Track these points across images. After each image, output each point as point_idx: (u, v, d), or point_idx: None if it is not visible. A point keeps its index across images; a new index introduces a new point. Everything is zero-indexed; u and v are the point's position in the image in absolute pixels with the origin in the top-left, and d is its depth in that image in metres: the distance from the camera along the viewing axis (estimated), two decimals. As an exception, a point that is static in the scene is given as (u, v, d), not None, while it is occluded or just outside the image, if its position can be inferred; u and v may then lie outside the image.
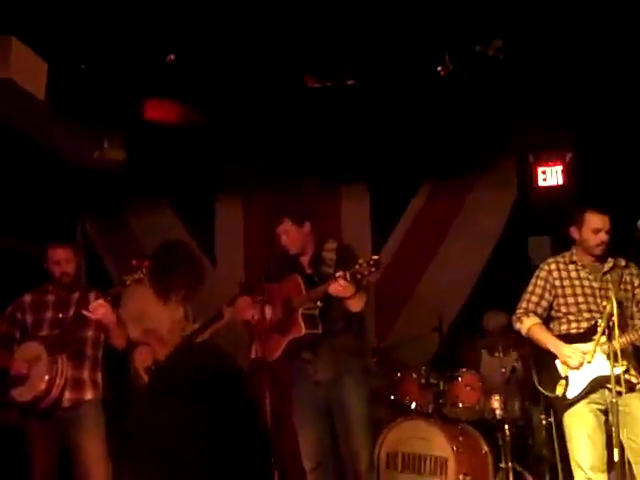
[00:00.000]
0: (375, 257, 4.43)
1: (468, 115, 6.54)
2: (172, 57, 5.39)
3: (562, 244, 5.13)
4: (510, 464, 5.83)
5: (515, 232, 7.27)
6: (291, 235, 4.91)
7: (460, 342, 6.89)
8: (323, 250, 4.95)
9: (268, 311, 4.79)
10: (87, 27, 5.10)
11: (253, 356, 4.69)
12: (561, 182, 7.07)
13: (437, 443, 5.79)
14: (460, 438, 5.89)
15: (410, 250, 7.41)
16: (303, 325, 4.69)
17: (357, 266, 4.43)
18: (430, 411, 6.10)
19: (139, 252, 7.30)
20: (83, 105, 5.73)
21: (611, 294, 4.16)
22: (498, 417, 5.99)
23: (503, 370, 6.10)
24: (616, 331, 4.07)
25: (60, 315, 4.97)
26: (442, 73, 5.77)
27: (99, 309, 4.72)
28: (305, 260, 4.97)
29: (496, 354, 6.15)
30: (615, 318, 4.06)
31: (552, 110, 6.38)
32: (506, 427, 5.90)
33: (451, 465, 5.70)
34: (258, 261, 7.18)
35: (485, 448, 5.97)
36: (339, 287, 4.48)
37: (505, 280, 6.90)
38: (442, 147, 6.91)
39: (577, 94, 6.14)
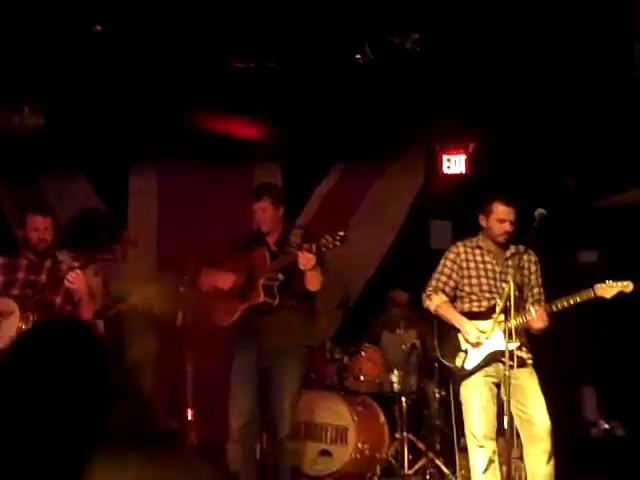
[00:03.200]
0: (341, 233, 4.70)
1: (382, 103, 6.78)
2: (98, 28, 5.44)
3: (463, 229, 5.50)
4: (405, 434, 6.20)
5: (418, 216, 7.61)
6: (267, 213, 5.19)
7: (363, 318, 7.22)
8: (290, 234, 5.25)
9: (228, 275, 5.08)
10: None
11: (179, 324, 4.90)
12: (464, 171, 7.46)
13: (338, 413, 6.11)
14: (360, 408, 6.23)
15: (318, 230, 7.62)
16: (262, 293, 4.97)
17: (323, 240, 4.71)
18: (333, 384, 6.42)
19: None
20: (3, 70, 5.74)
21: (509, 278, 4.52)
22: (395, 390, 6.34)
23: (403, 347, 6.45)
24: (512, 311, 4.44)
25: (32, 277, 5.08)
26: (360, 61, 6.02)
27: (77, 279, 4.87)
28: (271, 240, 5.24)
29: (397, 331, 6.49)
30: (512, 299, 4.43)
31: (460, 102, 6.69)
32: (403, 399, 6.26)
33: (351, 434, 6.03)
34: (171, 234, 7.39)
35: (383, 418, 6.32)
36: (304, 258, 4.75)
37: (407, 261, 7.28)
38: (355, 132, 7.13)
39: (484, 88, 6.47)
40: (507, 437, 4.35)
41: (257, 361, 5.12)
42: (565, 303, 4.63)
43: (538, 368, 4.80)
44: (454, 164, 7.53)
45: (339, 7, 5.57)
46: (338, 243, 4.65)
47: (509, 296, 4.48)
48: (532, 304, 4.82)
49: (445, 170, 7.51)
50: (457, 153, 7.53)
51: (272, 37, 5.88)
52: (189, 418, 4.61)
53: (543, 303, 4.77)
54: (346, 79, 6.38)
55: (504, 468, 5.84)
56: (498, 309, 4.58)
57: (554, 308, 4.66)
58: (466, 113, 6.91)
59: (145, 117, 6.90)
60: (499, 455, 5.83)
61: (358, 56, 5.97)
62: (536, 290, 4.94)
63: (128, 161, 7.61)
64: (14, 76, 5.87)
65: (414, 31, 5.78)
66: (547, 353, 5.01)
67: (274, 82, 6.40)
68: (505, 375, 4.42)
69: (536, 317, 4.64)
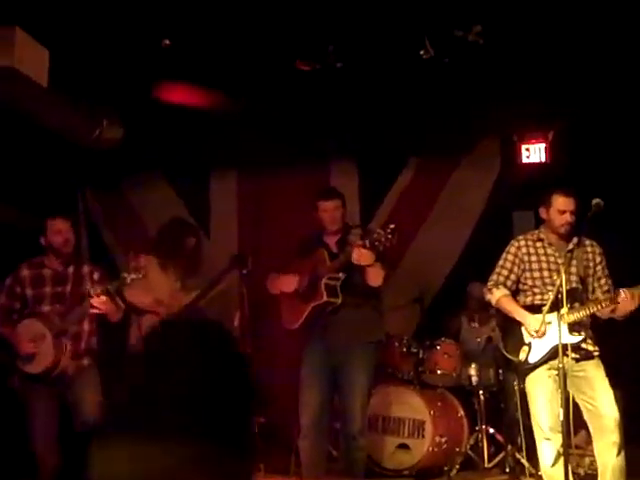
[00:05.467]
0: (392, 226, 4.82)
1: (452, 96, 6.79)
2: (167, 42, 5.63)
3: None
4: (484, 426, 6.21)
5: (500, 208, 7.54)
6: (338, 212, 5.34)
7: (443, 312, 7.23)
8: (349, 234, 5.36)
9: (291, 278, 5.25)
10: (84, 10, 5.36)
11: (236, 324, 5.07)
12: (544, 159, 7.37)
13: (416, 407, 6.16)
14: (438, 403, 6.26)
15: (396, 224, 7.69)
16: (325, 293, 5.10)
17: (375, 234, 4.82)
18: (410, 378, 6.47)
19: (137, 225, 7.67)
20: (83, 86, 6.02)
21: (561, 269, 4.47)
22: (473, 383, 6.35)
23: (479, 340, 6.45)
24: (564, 303, 4.41)
25: (59, 289, 5.25)
26: (425, 57, 6.04)
27: (102, 306, 5.08)
28: (331, 241, 5.38)
29: (472, 324, 6.49)
30: (564, 291, 4.39)
31: (535, 91, 6.63)
32: (481, 392, 6.27)
33: (428, 427, 6.08)
34: (250, 234, 7.59)
35: (461, 412, 6.35)
36: (359, 254, 4.87)
37: (490, 253, 7.22)
38: (428, 127, 7.17)
39: (555, 74, 6.39)
40: (563, 430, 4.30)
41: (325, 359, 5.24)
42: None
43: (604, 360, 4.73)
44: (533, 153, 7.46)
45: (399, 4, 5.62)
46: (390, 236, 4.72)
47: (562, 288, 4.42)
48: (603, 294, 4.76)
49: (524, 160, 7.43)
50: (536, 142, 7.45)
51: (335, 38, 5.98)
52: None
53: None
54: (415, 75, 6.42)
55: (586, 460, 5.90)
56: (548, 301, 4.53)
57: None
58: (543, 102, 6.83)
59: (222, 121, 7.10)
60: (580, 448, 5.85)
61: (422, 52, 5.99)
62: (603, 281, 4.87)
63: (208, 164, 7.85)
64: (92, 90, 6.15)
65: (476, 23, 5.77)
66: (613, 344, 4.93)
67: (344, 83, 6.50)
68: (560, 368, 4.37)
69: (629, 298, 4.55)
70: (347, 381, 5.21)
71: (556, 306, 4.51)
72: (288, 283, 5.30)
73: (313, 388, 5.26)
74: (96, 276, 5.35)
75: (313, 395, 5.26)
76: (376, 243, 4.82)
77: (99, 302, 5.06)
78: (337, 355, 5.21)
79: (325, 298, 5.10)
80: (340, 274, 5.11)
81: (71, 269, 5.33)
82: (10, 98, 5.28)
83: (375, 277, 5.10)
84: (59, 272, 5.31)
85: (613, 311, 4.67)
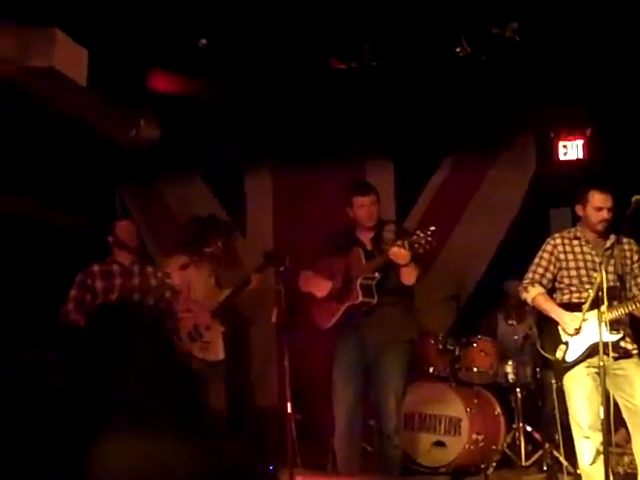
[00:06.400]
0: (432, 228, 4.80)
1: (487, 93, 6.76)
2: (204, 42, 5.67)
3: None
4: (521, 424, 6.18)
5: (537, 204, 7.50)
6: (374, 208, 5.32)
7: (479, 310, 7.21)
8: (383, 230, 5.34)
9: (324, 282, 5.25)
10: (122, 9, 5.42)
11: (274, 320, 5.09)
12: (581, 156, 7.32)
13: (452, 404, 6.15)
14: (475, 400, 6.24)
15: (432, 222, 7.61)
16: (361, 294, 5.08)
17: (414, 236, 4.81)
18: (446, 375, 6.46)
19: (173, 223, 7.73)
20: (121, 85, 6.08)
21: (601, 267, 4.43)
22: (510, 381, 6.34)
23: (516, 337, 6.42)
24: (605, 301, 4.38)
25: (127, 282, 5.55)
26: (461, 54, 6.02)
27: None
28: (366, 238, 5.35)
29: (509, 322, 6.46)
30: (604, 289, 4.35)
31: (570, 87, 6.58)
32: (518, 390, 6.24)
33: (464, 425, 6.06)
34: (286, 231, 7.62)
35: (498, 410, 6.32)
36: (397, 252, 4.86)
37: (526, 251, 7.18)
38: (463, 124, 7.13)
39: (593, 71, 6.33)
40: (603, 428, 4.27)
41: (359, 358, 5.24)
42: None
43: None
44: (571, 150, 7.41)
45: (435, 2, 5.61)
46: (430, 239, 4.70)
47: (602, 286, 4.39)
48: None
49: (561, 157, 7.39)
50: (574, 139, 7.40)
51: (371, 36, 5.98)
52: (289, 411, 4.76)
53: None
54: (450, 72, 6.40)
55: (626, 459, 5.85)
56: (588, 300, 4.49)
57: None
58: (581, 98, 6.79)
59: (262, 123, 7.14)
60: (620, 446, 5.80)
61: (458, 49, 5.97)
62: None
63: (243, 162, 7.89)
64: (130, 89, 6.21)
65: (512, 20, 5.75)
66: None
67: (380, 81, 6.50)
68: (600, 366, 4.33)
69: None
70: (381, 380, 5.21)
71: (596, 304, 4.48)
72: (321, 287, 5.28)
73: (347, 386, 5.26)
74: (160, 274, 5.69)
75: (347, 393, 5.26)
76: (415, 245, 4.80)
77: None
78: (371, 353, 5.21)
79: (361, 298, 5.09)
80: (376, 274, 5.10)
81: (137, 267, 5.65)
82: (50, 97, 5.36)
83: (409, 276, 5.09)
84: (126, 267, 5.61)
85: None
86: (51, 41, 4.70)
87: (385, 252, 4.98)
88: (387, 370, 5.19)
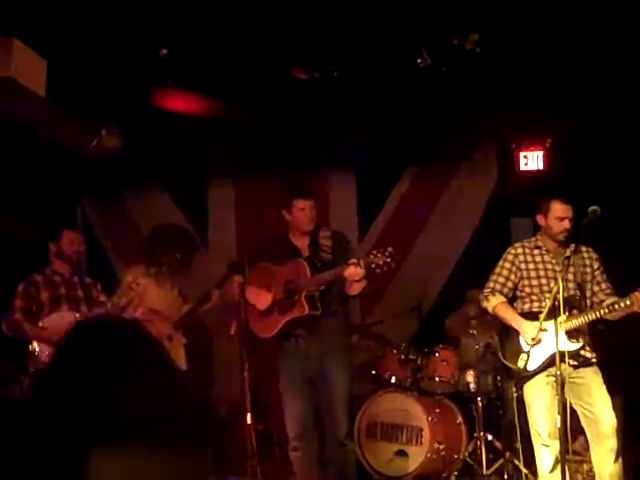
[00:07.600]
0: (390, 249, 4.71)
1: (449, 104, 6.81)
2: (164, 51, 5.65)
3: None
4: (482, 433, 6.21)
5: (498, 214, 7.58)
6: (315, 213, 5.25)
7: (440, 319, 7.24)
8: (319, 237, 5.28)
9: (259, 292, 5.17)
10: (82, 21, 5.39)
11: (232, 332, 5.04)
12: (542, 167, 7.41)
13: (414, 414, 6.17)
14: (436, 409, 6.26)
15: (394, 232, 7.71)
16: (307, 306, 5.01)
17: (371, 256, 4.74)
18: (408, 384, 6.48)
19: (136, 234, 7.67)
20: (81, 95, 6.04)
21: (559, 276, 4.48)
22: (472, 390, 6.36)
23: (477, 347, 6.45)
24: (562, 310, 4.42)
25: (71, 293, 5.50)
26: (422, 65, 6.06)
27: None
28: (302, 243, 5.28)
29: (471, 331, 6.49)
30: (560, 298, 4.39)
31: (530, 98, 6.65)
32: (479, 399, 6.28)
33: (426, 434, 6.08)
34: (249, 243, 7.59)
35: (460, 419, 6.35)
36: (353, 272, 4.77)
37: (487, 260, 7.24)
38: (425, 135, 7.19)
39: (552, 82, 6.41)
40: (560, 437, 4.31)
41: (304, 369, 5.17)
42: None
43: (603, 367, 4.75)
44: (531, 160, 7.49)
45: (396, 13, 5.65)
46: (388, 259, 4.67)
47: (559, 295, 4.43)
48: (607, 297, 4.78)
49: (522, 167, 7.47)
50: (534, 150, 7.48)
51: (333, 46, 6.00)
52: (248, 422, 4.73)
53: None
54: (412, 84, 6.44)
55: (585, 466, 5.90)
56: (546, 308, 4.54)
57: None
58: (541, 109, 6.86)
59: (219, 130, 7.11)
60: (579, 454, 5.85)
61: (419, 60, 6.02)
62: (604, 285, 4.88)
63: (206, 173, 7.88)
64: (90, 99, 6.17)
65: (473, 32, 5.80)
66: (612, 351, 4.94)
67: (342, 92, 6.52)
68: (557, 375, 4.37)
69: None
70: (328, 389, 5.16)
71: (553, 313, 4.51)
72: (261, 299, 5.17)
73: (296, 400, 5.20)
74: (99, 286, 5.68)
75: (297, 407, 5.20)
76: (372, 265, 4.74)
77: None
78: (316, 363, 5.15)
79: (307, 311, 5.01)
80: (322, 287, 5.06)
81: (76, 278, 5.62)
82: (8, 108, 5.31)
83: (357, 289, 5.05)
84: (67, 279, 5.57)
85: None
86: (10, 51, 4.65)
87: (338, 270, 4.88)
88: (332, 379, 5.13)
